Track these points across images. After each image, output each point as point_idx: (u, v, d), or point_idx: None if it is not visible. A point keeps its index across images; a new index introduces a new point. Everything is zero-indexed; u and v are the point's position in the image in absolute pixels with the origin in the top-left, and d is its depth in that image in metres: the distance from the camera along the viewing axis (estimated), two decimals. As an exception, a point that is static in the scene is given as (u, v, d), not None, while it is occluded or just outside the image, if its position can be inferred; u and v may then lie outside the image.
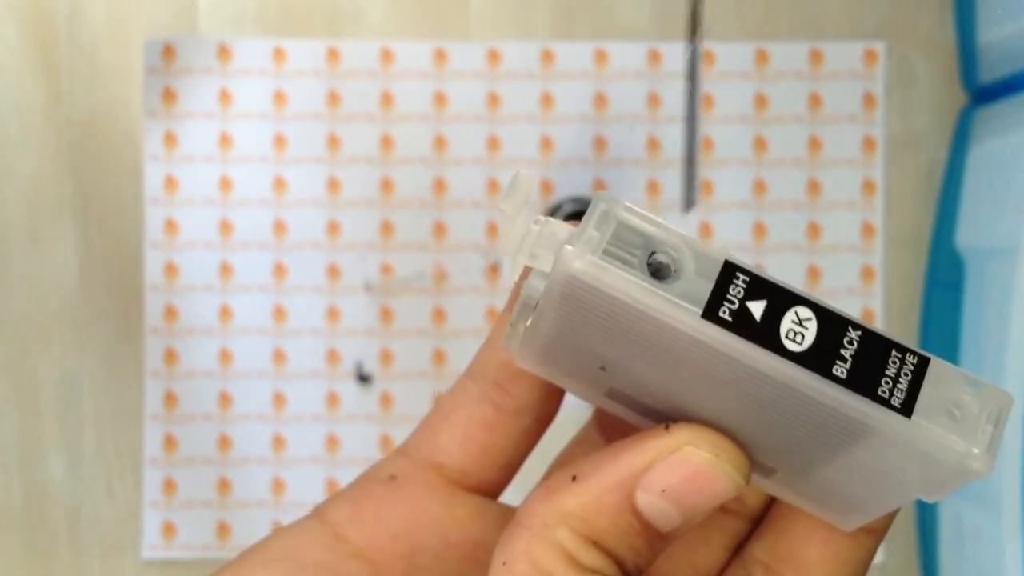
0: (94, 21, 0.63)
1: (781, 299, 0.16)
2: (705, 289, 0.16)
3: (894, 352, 0.17)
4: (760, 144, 0.64)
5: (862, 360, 0.17)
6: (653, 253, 0.17)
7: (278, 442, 0.63)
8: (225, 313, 0.63)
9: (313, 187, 0.63)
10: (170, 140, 0.63)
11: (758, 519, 0.22)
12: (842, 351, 0.17)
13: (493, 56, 0.64)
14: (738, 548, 0.22)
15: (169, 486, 0.63)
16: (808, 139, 0.64)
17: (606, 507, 0.18)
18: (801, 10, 0.64)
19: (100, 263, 0.63)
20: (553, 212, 0.59)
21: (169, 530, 0.63)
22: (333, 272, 0.63)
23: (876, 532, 0.20)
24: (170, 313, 0.63)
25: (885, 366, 0.17)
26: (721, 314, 0.16)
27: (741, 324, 0.16)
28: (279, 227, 0.63)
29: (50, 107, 0.63)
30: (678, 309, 0.16)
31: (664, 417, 0.19)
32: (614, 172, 0.63)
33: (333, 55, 0.63)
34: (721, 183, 0.63)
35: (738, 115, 0.64)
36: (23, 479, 0.63)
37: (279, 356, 0.63)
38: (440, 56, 0.63)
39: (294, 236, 0.63)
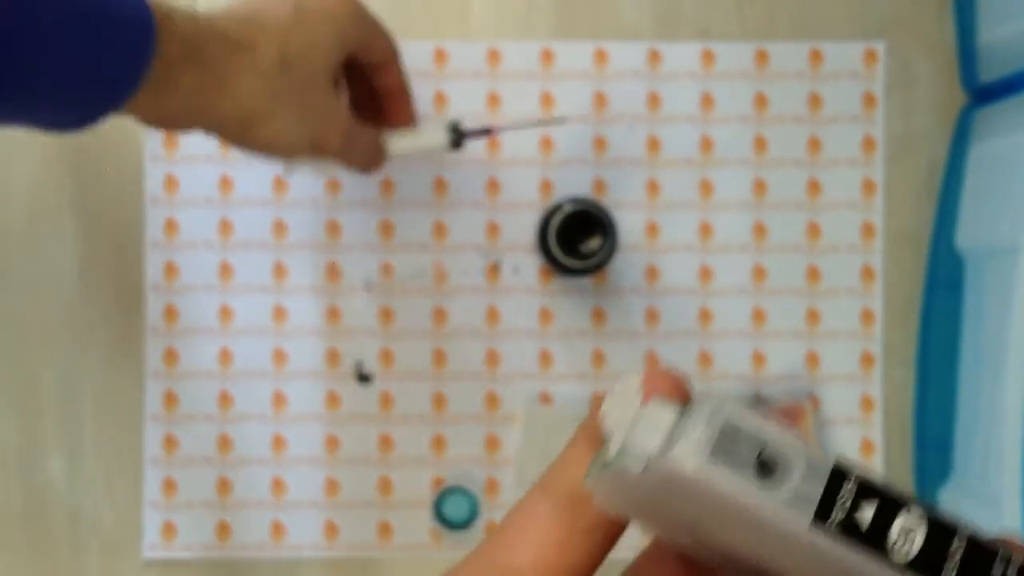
0: (94, 21, 0.63)
1: (891, 503, 0.16)
2: (815, 493, 0.16)
3: (998, 561, 0.17)
4: (760, 144, 0.64)
5: (968, 567, 0.17)
6: (762, 452, 0.17)
7: (278, 442, 0.63)
8: (225, 313, 0.63)
9: (313, 187, 0.63)
10: (170, 140, 0.63)
11: None
12: (948, 560, 0.16)
13: (493, 56, 0.64)
14: None
15: (169, 486, 0.63)
16: (808, 139, 0.64)
17: None
18: (801, 10, 0.64)
19: (100, 263, 0.63)
20: (553, 212, 0.59)
21: (169, 530, 0.63)
22: (333, 272, 0.63)
23: None
24: (170, 313, 0.63)
25: (989, 574, 0.17)
26: (831, 520, 0.16)
27: (850, 531, 0.16)
28: (279, 227, 0.63)
29: (50, 107, 0.63)
30: (788, 515, 0.16)
31: (741, 562, 0.18)
32: (614, 172, 0.63)
33: (333, 55, 0.63)
34: (721, 183, 0.63)
35: (738, 115, 0.64)
36: (23, 479, 0.63)
37: (279, 356, 0.63)
38: (441, 56, 0.63)
39: (294, 236, 0.63)
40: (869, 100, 0.64)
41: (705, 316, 0.64)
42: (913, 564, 0.16)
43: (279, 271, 0.63)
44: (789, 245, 0.64)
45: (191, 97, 0.45)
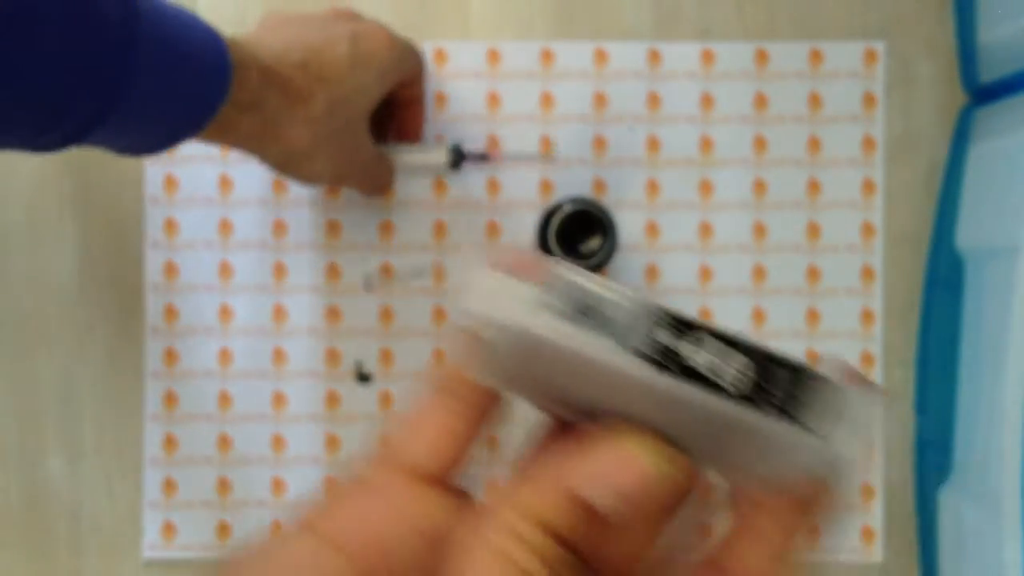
0: (94, 21, 0.63)
1: (699, 334, 0.19)
2: (635, 331, 0.19)
3: (787, 369, 0.19)
4: (760, 144, 0.64)
5: (761, 380, 0.19)
6: (588, 304, 0.19)
7: (278, 442, 0.63)
8: (225, 313, 0.63)
9: (313, 187, 0.63)
10: (170, 140, 0.63)
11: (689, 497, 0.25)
12: (763, 384, 0.19)
13: (493, 56, 0.64)
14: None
15: (169, 486, 0.63)
16: (808, 139, 0.64)
17: (553, 499, 0.21)
18: (801, 10, 0.64)
19: (100, 263, 0.63)
20: (553, 212, 0.59)
21: (169, 530, 0.63)
22: (333, 272, 0.63)
23: (815, 504, 0.23)
24: (170, 313, 0.63)
25: (777, 382, 0.19)
26: (649, 353, 0.19)
27: (667, 361, 0.19)
28: (279, 227, 0.63)
29: (50, 107, 0.63)
30: (613, 353, 0.19)
31: (599, 415, 0.21)
32: (614, 172, 0.63)
33: (333, 55, 0.63)
34: (721, 183, 0.63)
35: (738, 115, 0.64)
36: (23, 479, 0.63)
37: (279, 356, 0.63)
38: (441, 56, 0.63)
39: (294, 236, 0.63)
40: (869, 100, 0.64)
41: (705, 316, 0.63)
42: (724, 387, 0.19)
43: (279, 271, 0.63)
44: (789, 245, 0.64)
45: (245, 139, 0.49)
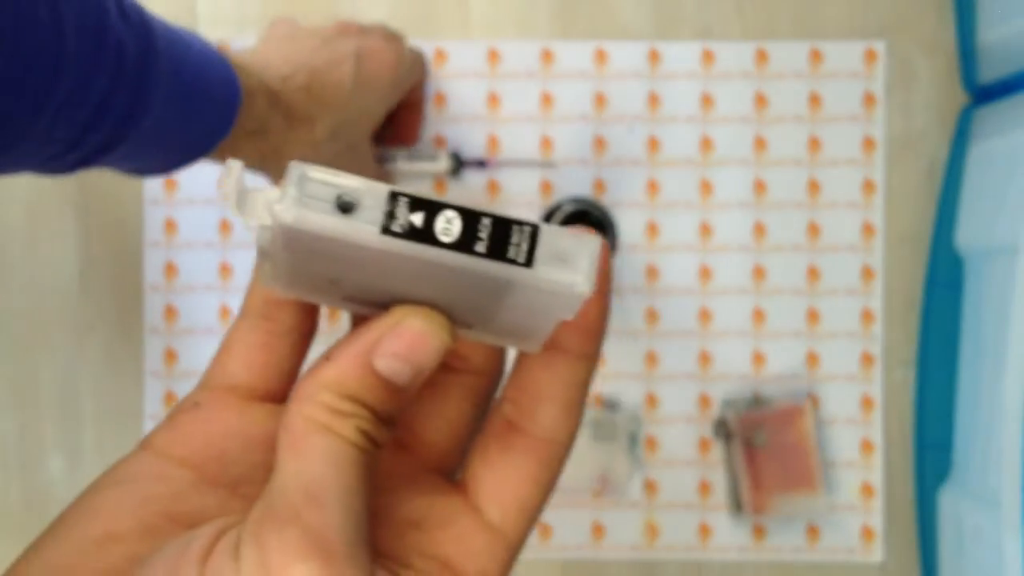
0: (94, 21, 0.63)
1: (433, 208, 0.23)
2: (380, 213, 0.23)
3: (515, 227, 0.23)
4: (760, 144, 0.64)
5: (495, 238, 0.23)
6: (339, 196, 0.23)
7: (278, 442, 0.63)
8: (225, 313, 0.63)
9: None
10: (170, 140, 0.63)
11: (496, 376, 0.29)
12: (480, 234, 0.23)
13: (493, 56, 0.64)
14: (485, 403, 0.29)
15: (169, 486, 0.63)
16: (808, 139, 0.64)
17: (354, 372, 0.25)
18: (801, 10, 0.64)
19: (100, 263, 0.63)
20: (553, 212, 0.59)
21: (169, 530, 0.63)
22: (333, 272, 0.63)
23: (584, 357, 0.27)
24: (170, 313, 0.63)
25: (510, 238, 0.23)
26: (394, 228, 0.23)
27: (409, 232, 0.23)
28: (279, 227, 0.63)
29: (50, 107, 0.63)
30: (364, 232, 0.23)
31: (388, 305, 0.25)
32: (614, 172, 0.63)
33: (333, 55, 0.63)
34: (721, 183, 0.63)
35: (738, 115, 0.64)
36: (23, 479, 0.63)
37: (279, 356, 0.63)
38: (441, 56, 0.63)
39: (294, 236, 0.63)
40: (869, 100, 0.64)
41: (705, 316, 0.64)
42: (457, 243, 0.23)
43: (279, 271, 0.63)
44: (789, 245, 0.64)
45: (249, 161, 0.51)
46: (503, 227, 0.23)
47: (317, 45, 0.54)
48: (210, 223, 0.63)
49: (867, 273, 0.64)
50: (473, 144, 0.63)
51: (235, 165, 0.23)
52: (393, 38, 0.58)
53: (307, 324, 0.29)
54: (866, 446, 0.63)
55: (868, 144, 0.64)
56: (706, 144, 0.64)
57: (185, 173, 0.63)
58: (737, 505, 0.63)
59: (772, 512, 0.62)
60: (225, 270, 0.63)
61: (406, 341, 0.24)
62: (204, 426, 0.28)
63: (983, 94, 0.61)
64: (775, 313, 0.63)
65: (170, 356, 0.63)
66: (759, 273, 0.64)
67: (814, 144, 0.64)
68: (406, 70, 0.57)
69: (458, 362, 0.28)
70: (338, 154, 0.53)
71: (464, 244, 0.23)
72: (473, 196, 0.63)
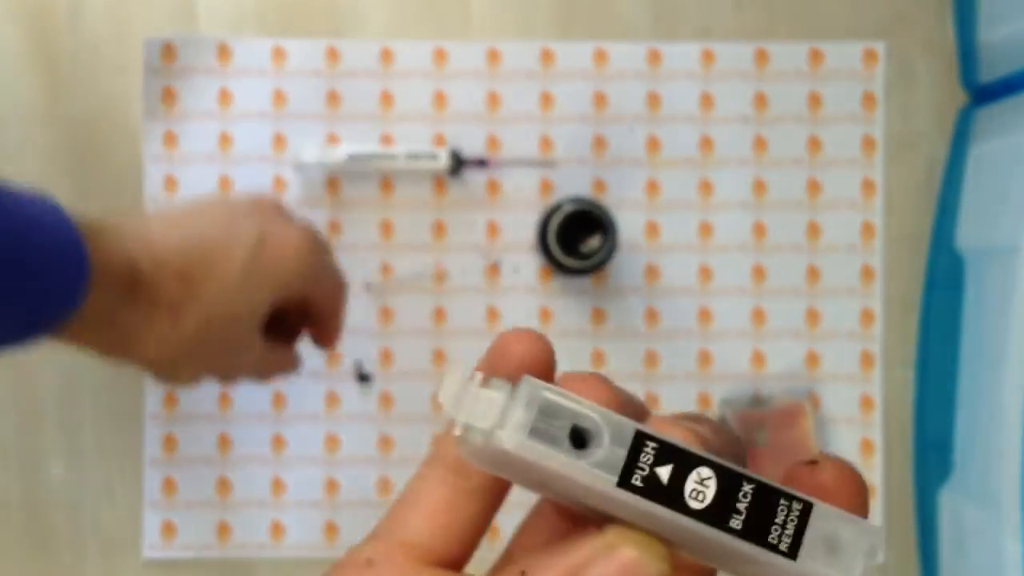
0: (94, 21, 0.63)
1: (686, 462, 0.19)
2: (620, 457, 0.19)
3: (782, 501, 0.20)
4: (760, 144, 0.64)
5: (755, 511, 0.20)
6: (574, 426, 0.20)
7: (278, 442, 0.63)
8: (225, 313, 0.63)
9: (313, 187, 0.63)
10: (170, 140, 0.63)
11: None
12: (738, 505, 0.19)
13: (493, 56, 0.64)
14: None
15: (169, 486, 0.63)
16: (808, 139, 0.64)
17: None
18: (801, 10, 0.64)
19: (100, 263, 0.63)
20: (553, 212, 0.59)
21: (169, 530, 0.63)
22: (333, 272, 0.63)
23: None
24: (170, 313, 0.63)
25: (775, 514, 0.20)
26: (634, 481, 0.19)
27: (651, 488, 0.19)
28: (279, 227, 0.63)
29: (50, 107, 0.63)
30: (597, 480, 0.19)
31: (599, 515, 0.21)
32: (614, 172, 0.63)
33: (333, 55, 0.63)
34: (721, 183, 0.63)
35: (738, 115, 0.64)
36: (23, 479, 0.63)
37: (279, 356, 0.63)
38: (440, 56, 0.63)
39: (294, 236, 0.63)
40: (869, 100, 0.64)
41: (705, 316, 0.63)
42: (708, 511, 0.19)
43: (279, 271, 0.63)
44: (789, 245, 0.64)
45: (89, 349, 0.46)
46: (768, 499, 0.20)
47: (218, 221, 0.48)
48: (210, 223, 0.63)
49: (867, 273, 0.64)
50: (473, 144, 0.63)
51: (454, 373, 0.21)
52: (313, 237, 0.52)
53: (499, 488, 0.25)
54: (866, 446, 0.63)
55: (868, 144, 0.64)
56: (706, 144, 0.64)
57: (185, 174, 0.63)
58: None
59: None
60: (225, 270, 0.63)
61: (616, 570, 0.21)
62: None
63: (983, 94, 0.61)
64: (775, 313, 0.63)
65: (170, 356, 0.63)
66: (759, 273, 0.64)
67: (814, 144, 0.64)
68: (313, 269, 0.51)
69: None
70: (208, 346, 0.48)
71: (717, 515, 0.19)
72: (473, 195, 0.63)
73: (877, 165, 0.64)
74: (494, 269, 0.63)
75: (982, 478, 0.57)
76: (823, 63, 0.64)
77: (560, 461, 0.20)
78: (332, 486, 0.63)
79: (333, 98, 0.63)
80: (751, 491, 0.20)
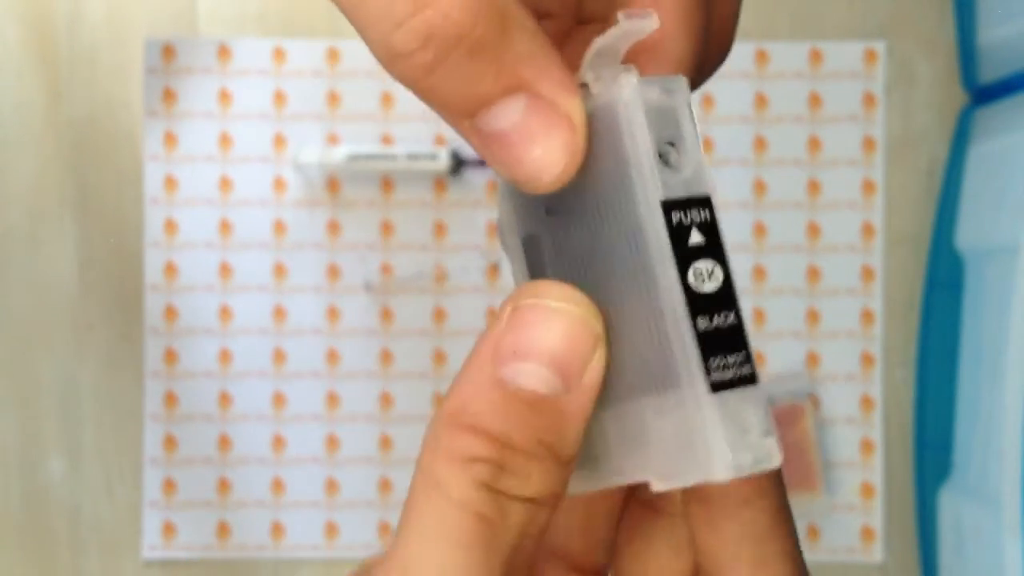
0: (94, 21, 0.63)
1: (716, 252, 0.19)
2: (683, 197, 0.19)
3: (745, 352, 0.20)
4: (760, 144, 0.64)
5: (722, 333, 0.19)
6: (673, 144, 0.19)
7: (278, 442, 0.63)
8: (225, 313, 0.63)
9: (313, 187, 0.63)
10: (170, 140, 0.63)
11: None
12: (717, 315, 0.19)
13: (493, 56, 0.63)
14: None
15: (169, 486, 0.63)
16: (808, 139, 0.64)
17: (474, 388, 0.18)
18: (801, 10, 0.64)
19: (100, 263, 0.63)
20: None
21: (169, 530, 0.63)
22: (333, 272, 0.63)
23: (760, 490, 0.21)
24: (170, 313, 0.63)
25: (730, 352, 0.19)
26: (673, 220, 0.19)
27: (679, 240, 0.19)
28: (279, 227, 0.63)
29: (50, 107, 0.63)
30: (657, 187, 0.19)
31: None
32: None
33: (333, 55, 0.63)
34: (721, 183, 0.63)
35: (738, 115, 0.64)
36: (23, 479, 0.63)
37: (279, 356, 0.63)
38: (440, 56, 0.63)
39: (294, 236, 0.63)
40: (869, 100, 0.64)
41: (705, 316, 0.63)
42: (697, 296, 0.19)
43: (279, 271, 0.63)
44: (789, 245, 0.64)
45: None
46: (739, 338, 0.20)
47: None
48: (210, 223, 0.63)
49: (867, 273, 0.64)
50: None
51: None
52: None
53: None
54: (866, 446, 0.63)
55: (868, 144, 0.64)
56: (706, 144, 0.64)
57: (185, 174, 0.63)
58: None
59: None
60: (225, 270, 0.63)
61: (530, 332, 0.18)
62: None
63: (983, 94, 0.61)
64: (775, 313, 0.63)
65: (170, 356, 0.63)
66: (759, 273, 0.64)
67: (814, 144, 0.64)
68: None
69: (660, 500, 0.22)
70: None
71: (698, 305, 0.19)
72: (473, 195, 0.63)
73: (877, 165, 0.64)
74: (494, 269, 0.63)
75: (982, 478, 0.57)
76: (823, 63, 0.64)
77: (647, 145, 0.19)
78: (332, 486, 0.63)
79: (333, 98, 0.63)
80: (733, 315, 0.20)
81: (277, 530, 0.63)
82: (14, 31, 0.63)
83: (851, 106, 0.64)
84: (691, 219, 0.19)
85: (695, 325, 0.19)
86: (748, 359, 0.20)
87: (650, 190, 0.19)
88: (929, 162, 0.64)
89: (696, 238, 0.19)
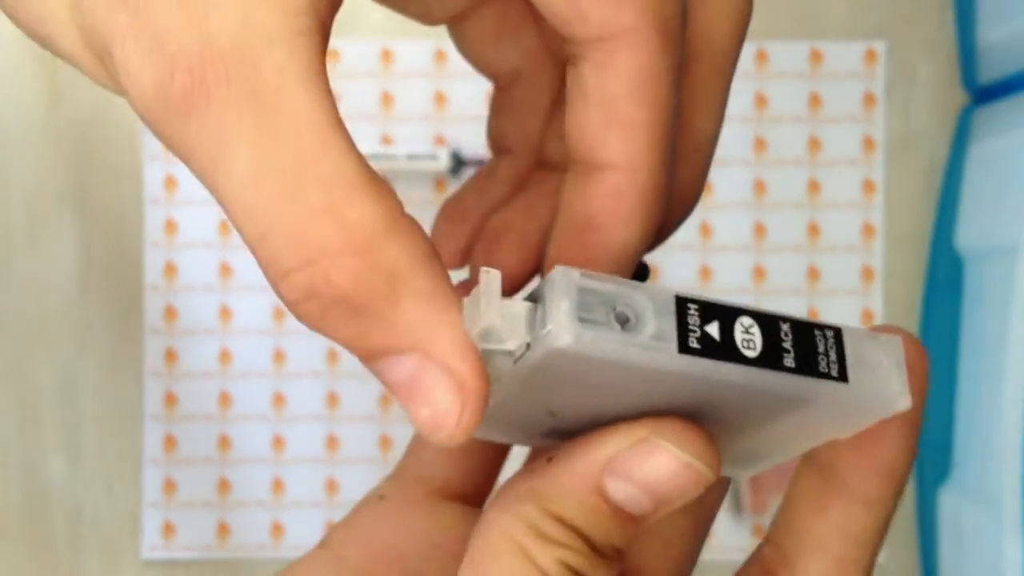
0: (94, 21, 0.63)
1: (728, 315, 0.19)
2: (671, 325, 0.18)
3: (816, 331, 0.20)
4: (760, 144, 0.64)
5: (799, 346, 0.19)
6: (615, 308, 0.19)
7: (278, 442, 0.63)
8: (225, 313, 0.63)
9: (313, 187, 0.63)
10: (170, 140, 0.63)
11: (722, 493, 0.24)
12: (783, 343, 0.19)
13: (493, 56, 0.64)
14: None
15: (169, 486, 0.63)
16: (808, 139, 0.64)
17: (574, 487, 0.19)
18: (801, 10, 0.64)
19: (100, 263, 0.63)
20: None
21: (169, 530, 0.63)
22: (333, 272, 0.63)
23: (873, 503, 0.21)
24: (170, 313, 0.63)
25: (816, 345, 0.19)
26: (692, 344, 0.18)
27: (708, 347, 0.19)
28: (279, 227, 0.63)
29: (50, 107, 0.63)
30: (659, 353, 0.18)
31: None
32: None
33: (333, 55, 0.63)
34: (721, 183, 0.63)
35: (738, 115, 0.64)
36: (23, 479, 0.63)
37: (279, 356, 0.63)
38: (441, 56, 0.63)
39: (294, 236, 0.63)
40: (869, 100, 0.64)
41: (705, 316, 0.63)
42: (762, 356, 0.19)
43: (279, 271, 0.63)
44: (789, 245, 0.64)
45: None
46: (806, 332, 0.20)
47: None
48: (210, 223, 0.63)
49: (867, 273, 0.64)
50: (473, 143, 0.63)
51: (494, 275, 0.19)
52: None
53: None
54: (866, 446, 0.63)
55: (868, 144, 0.64)
56: (706, 144, 0.63)
57: (185, 174, 0.63)
58: (737, 505, 0.63)
59: (772, 512, 0.62)
60: (225, 270, 0.63)
61: (649, 464, 0.19)
62: (385, 526, 0.24)
63: (983, 94, 0.61)
64: (775, 313, 0.63)
65: (170, 356, 0.63)
66: (759, 273, 0.64)
67: (814, 144, 0.64)
68: None
69: None
70: None
71: (770, 358, 0.19)
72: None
73: (877, 165, 0.64)
74: (494, 269, 0.63)
75: (982, 478, 0.57)
76: (823, 63, 0.64)
77: (617, 344, 0.18)
78: (332, 486, 0.63)
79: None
80: (789, 329, 0.20)
81: (277, 530, 0.63)
82: (14, 31, 0.63)
83: (851, 106, 0.64)
84: (697, 327, 0.19)
85: (787, 368, 0.19)
86: (823, 327, 0.20)
87: (661, 362, 0.18)
88: (929, 162, 0.64)
89: (713, 329, 0.19)
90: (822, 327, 0.20)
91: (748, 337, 0.19)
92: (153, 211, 0.63)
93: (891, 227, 0.64)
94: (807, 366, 0.19)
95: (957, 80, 0.63)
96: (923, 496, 0.62)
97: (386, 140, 0.63)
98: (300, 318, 0.20)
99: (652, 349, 0.18)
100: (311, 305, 0.19)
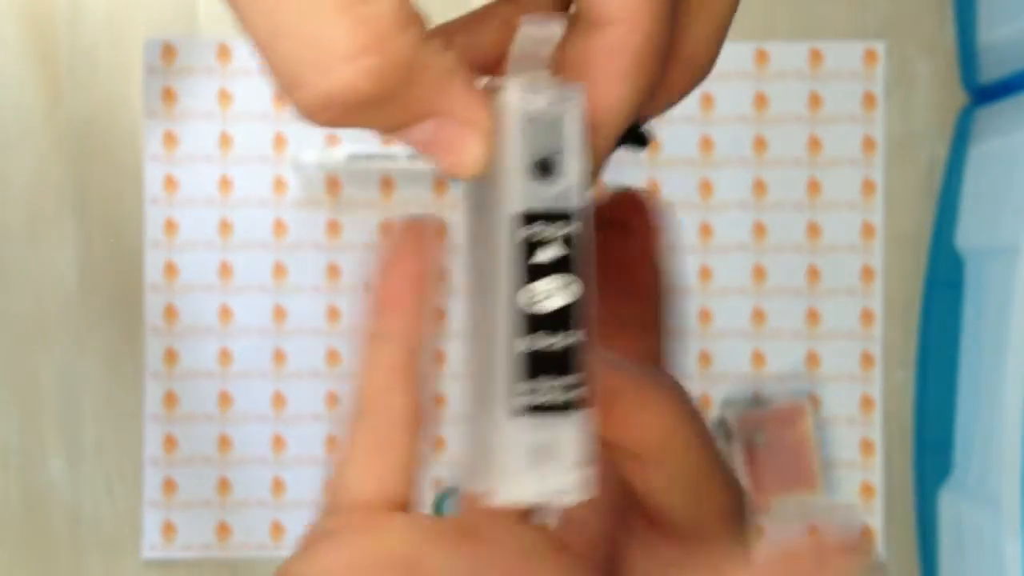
0: (94, 21, 0.63)
1: (570, 270, 0.19)
2: (543, 210, 0.19)
3: (574, 377, 0.19)
4: (760, 144, 0.64)
5: (550, 356, 0.19)
6: (556, 155, 0.20)
7: (278, 442, 0.63)
8: (225, 313, 0.63)
9: (314, 186, 0.63)
10: (170, 140, 0.63)
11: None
12: (550, 336, 0.19)
13: (493, 56, 0.64)
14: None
15: (169, 486, 0.63)
16: (808, 139, 0.64)
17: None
18: (801, 10, 0.64)
19: (100, 263, 0.63)
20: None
21: (169, 530, 0.63)
22: (333, 272, 0.63)
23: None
24: (170, 313, 0.63)
25: (556, 376, 0.19)
26: (526, 234, 0.19)
27: (527, 254, 0.19)
28: (279, 226, 0.63)
29: (50, 107, 0.63)
30: (514, 197, 0.19)
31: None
32: (614, 172, 0.63)
33: (333, 55, 0.63)
34: (721, 183, 0.63)
35: (738, 115, 0.64)
36: (23, 479, 0.63)
37: (279, 356, 0.63)
38: (440, 56, 0.63)
39: (294, 236, 0.63)
40: (869, 100, 0.64)
41: (705, 316, 0.63)
42: (532, 314, 0.19)
43: (279, 271, 0.63)
44: (789, 245, 0.64)
45: None
46: (566, 365, 0.20)
47: None
48: (210, 223, 0.63)
49: (867, 273, 0.64)
50: (473, 144, 0.63)
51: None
52: None
53: (430, 420, 0.26)
54: (866, 446, 0.63)
55: (868, 144, 0.64)
56: (706, 144, 0.63)
57: (185, 174, 0.63)
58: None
59: (772, 512, 0.62)
60: (225, 270, 0.63)
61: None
62: (336, 557, 0.25)
63: (983, 94, 0.61)
64: (775, 313, 0.63)
65: (170, 356, 0.63)
66: (759, 273, 0.64)
67: (814, 144, 0.64)
68: None
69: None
70: None
71: (532, 323, 0.20)
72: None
73: (877, 165, 0.64)
74: (494, 269, 0.63)
75: (982, 478, 0.57)
76: (823, 63, 0.64)
77: (513, 157, 0.20)
78: (332, 486, 0.63)
79: (333, 98, 0.63)
80: (571, 343, 0.19)
81: (277, 530, 0.63)
82: (14, 30, 0.63)
83: (851, 106, 0.64)
84: (547, 235, 0.19)
85: (513, 344, 0.19)
86: (578, 384, 0.19)
87: (506, 199, 0.20)
88: (929, 162, 0.64)
89: (546, 255, 0.19)
90: (580, 386, 0.19)
91: (547, 296, 0.20)
92: (153, 211, 0.63)
93: (891, 227, 0.64)
94: (533, 365, 0.19)
95: (957, 80, 0.63)
96: (923, 496, 0.62)
97: (386, 140, 0.63)
98: (317, 123, 0.21)
99: (521, 179, 0.20)
100: (331, 112, 0.20)
